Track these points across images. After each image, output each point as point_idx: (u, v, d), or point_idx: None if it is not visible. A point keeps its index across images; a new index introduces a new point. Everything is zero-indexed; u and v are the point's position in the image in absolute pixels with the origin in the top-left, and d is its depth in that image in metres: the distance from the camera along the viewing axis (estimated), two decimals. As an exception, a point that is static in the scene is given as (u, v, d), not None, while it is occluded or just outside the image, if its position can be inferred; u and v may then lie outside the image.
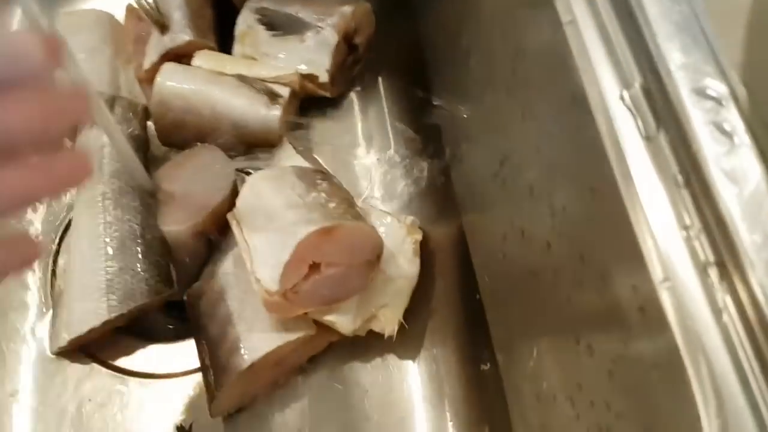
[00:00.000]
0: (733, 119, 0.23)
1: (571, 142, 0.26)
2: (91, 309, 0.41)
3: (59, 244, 0.46)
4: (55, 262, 0.46)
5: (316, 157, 0.50)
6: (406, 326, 0.42)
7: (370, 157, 0.51)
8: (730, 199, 0.21)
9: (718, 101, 0.23)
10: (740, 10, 0.26)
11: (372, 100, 0.53)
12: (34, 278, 0.45)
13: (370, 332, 0.42)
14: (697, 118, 0.23)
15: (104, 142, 0.45)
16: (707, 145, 0.22)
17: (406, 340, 0.42)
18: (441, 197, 0.48)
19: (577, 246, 0.28)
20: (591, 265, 0.27)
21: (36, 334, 0.44)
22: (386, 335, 0.41)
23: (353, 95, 0.53)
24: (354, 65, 0.53)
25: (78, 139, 0.45)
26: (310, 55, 0.50)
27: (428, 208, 0.48)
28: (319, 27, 0.50)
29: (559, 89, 0.26)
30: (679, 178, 0.23)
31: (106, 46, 0.50)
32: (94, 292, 0.41)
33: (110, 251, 0.42)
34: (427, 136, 0.49)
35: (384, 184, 0.49)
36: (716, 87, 0.23)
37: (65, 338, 0.41)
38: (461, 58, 0.42)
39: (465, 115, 0.43)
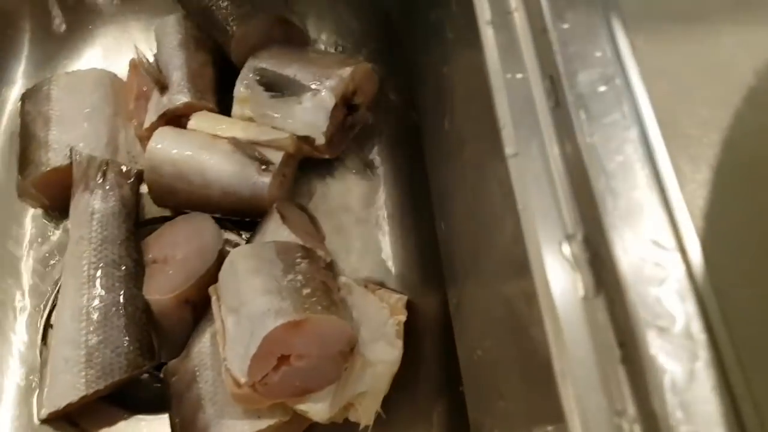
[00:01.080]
0: (681, 286, 0.20)
1: (510, 292, 0.24)
2: (70, 383, 0.41)
3: (50, 312, 0.47)
4: (45, 329, 0.46)
5: (311, 216, 0.49)
6: (384, 416, 0.40)
7: (363, 219, 0.49)
8: (669, 387, 0.19)
9: (662, 267, 0.20)
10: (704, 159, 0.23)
11: (368, 166, 0.51)
12: (25, 346, 0.46)
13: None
14: (638, 284, 0.20)
15: (94, 209, 0.45)
16: (648, 320, 0.20)
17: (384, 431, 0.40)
18: (430, 268, 0.46)
19: (522, 391, 0.25)
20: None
21: (26, 401, 0.45)
22: (361, 426, 0.40)
23: (351, 158, 0.51)
24: (354, 126, 0.52)
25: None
26: (308, 117, 0.49)
27: (415, 277, 0.46)
28: (317, 89, 0.49)
29: (505, 226, 0.24)
30: (617, 352, 0.20)
31: (107, 105, 0.50)
32: (74, 366, 0.41)
33: (92, 324, 0.42)
34: (420, 203, 0.47)
35: (375, 248, 0.48)
36: (665, 243, 0.21)
37: (45, 411, 0.41)
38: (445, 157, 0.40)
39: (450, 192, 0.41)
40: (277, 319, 0.36)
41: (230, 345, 0.38)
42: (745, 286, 0.20)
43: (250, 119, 0.50)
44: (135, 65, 0.52)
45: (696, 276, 0.20)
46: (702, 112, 0.23)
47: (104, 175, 0.46)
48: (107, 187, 0.45)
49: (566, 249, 0.22)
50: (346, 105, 0.50)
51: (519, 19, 0.26)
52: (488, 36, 0.27)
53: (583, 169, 0.22)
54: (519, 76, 0.26)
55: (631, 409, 0.20)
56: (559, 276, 0.21)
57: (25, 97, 0.49)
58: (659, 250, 0.20)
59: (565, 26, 0.25)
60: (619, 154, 0.22)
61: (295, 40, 0.52)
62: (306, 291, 0.38)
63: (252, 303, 0.38)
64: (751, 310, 0.20)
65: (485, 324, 0.31)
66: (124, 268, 0.44)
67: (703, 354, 0.19)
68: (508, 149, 0.24)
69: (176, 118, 0.50)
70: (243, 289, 0.39)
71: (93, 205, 0.45)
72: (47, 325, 0.46)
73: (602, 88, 0.24)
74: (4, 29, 0.51)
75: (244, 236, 0.49)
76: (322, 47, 0.54)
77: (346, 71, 0.49)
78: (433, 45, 0.40)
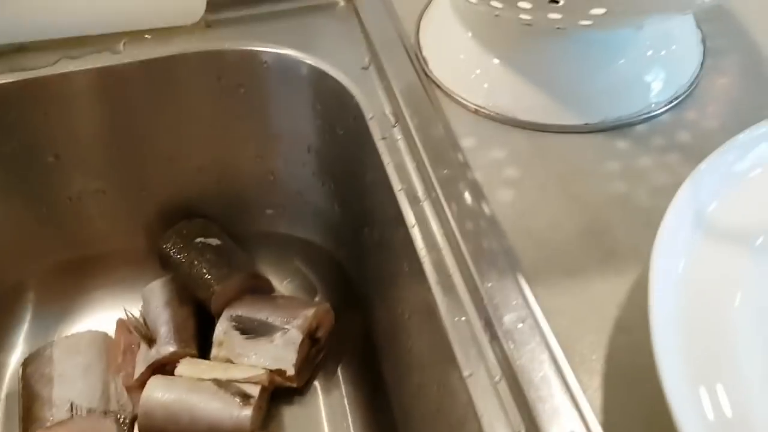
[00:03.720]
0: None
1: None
2: None
3: None
4: None
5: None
6: None
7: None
8: None
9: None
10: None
11: (332, 387, 0.59)
12: None
13: None
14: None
15: None
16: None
17: None
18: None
19: None
20: None
21: None
22: None
23: (317, 383, 0.60)
24: (317, 354, 0.61)
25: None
26: (279, 353, 0.57)
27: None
28: (286, 328, 0.58)
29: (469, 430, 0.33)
30: None
31: (100, 361, 0.57)
32: None
33: None
34: (383, 417, 0.55)
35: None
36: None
37: None
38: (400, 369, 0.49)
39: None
40: None
41: None
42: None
43: (228, 360, 0.58)
44: (121, 324, 0.61)
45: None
46: (589, 337, 0.35)
47: (104, 424, 0.52)
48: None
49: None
50: (310, 339, 0.59)
51: (457, 280, 0.38)
52: (438, 292, 0.38)
53: (517, 382, 0.32)
54: (463, 318, 0.37)
55: None
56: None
57: (27, 361, 0.56)
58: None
59: (489, 284, 0.37)
60: (540, 371, 0.32)
61: (263, 290, 0.62)
62: None
63: None
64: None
65: None
66: None
67: None
68: (465, 372, 0.34)
69: (161, 367, 0.57)
70: None
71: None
72: None
73: (520, 325, 0.35)
74: (11, 303, 0.59)
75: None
76: (286, 293, 0.65)
77: (310, 311, 0.59)
78: (387, 288, 0.51)
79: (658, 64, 0.47)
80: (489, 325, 0.36)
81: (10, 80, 0.51)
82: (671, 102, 0.46)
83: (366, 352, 0.59)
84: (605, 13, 0.36)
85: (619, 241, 0.39)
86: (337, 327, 0.61)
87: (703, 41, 0.50)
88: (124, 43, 0.53)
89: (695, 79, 0.47)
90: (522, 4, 0.37)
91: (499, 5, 0.39)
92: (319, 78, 0.52)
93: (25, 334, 0.60)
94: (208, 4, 0.54)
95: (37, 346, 0.57)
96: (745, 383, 0.30)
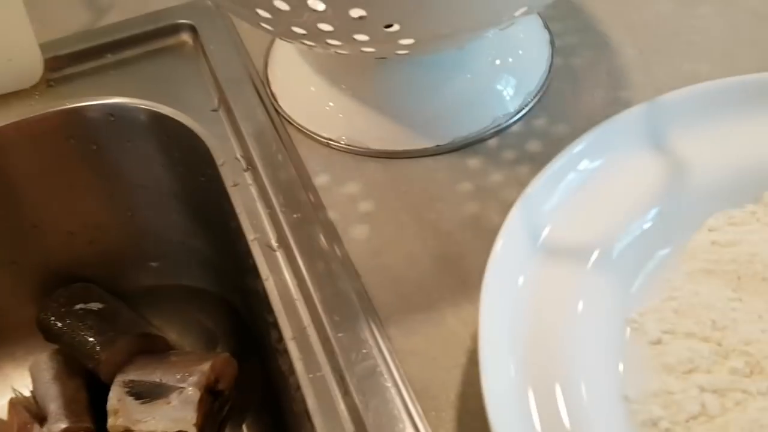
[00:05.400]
0: None
1: None
2: None
3: None
4: None
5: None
6: None
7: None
8: None
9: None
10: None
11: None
12: None
13: None
14: None
15: None
16: None
17: None
18: None
19: None
20: None
21: None
22: None
23: (225, 436, 0.58)
24: (222, 407, 0.58)
25: None
26: (177, 414, 0.55)
27: None
28: (182, 387, 0.56)
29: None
30: None
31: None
32: None
33: None
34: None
35: None
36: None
37: None
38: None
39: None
40: None
41: None
42: None
43: (127, 428, 0.55)
44: (13, 404, 0.57)
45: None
46: (441, 375, 0.34)
47: None
48: None
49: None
50: (210, 393, 0.57)
51: (311, 332, 0.37)
52: (293, 348, 0.37)
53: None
54: (319, 374, 0.35)
55: None
56: None
57: None
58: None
59: (340, 335, 0.35)
60: (392, 425, 0.31)
61: (158, 348, 0.60)
62: None
63: None
64: None
65: None
66: None
67: None
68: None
69: (58, 445, 0.54)
70: None
71: None
72: None
73: (372, 376, 0.34)
74: None
75: None
76: (185, 347, 0.62)
77: (206, 365, 0.57)
78: (269, 338, 0.50)
79: (506, 72, 0.46)
80: (342, 379, 0.34)
81: None
82: (520, 111, 0.45)
83: (269, 400, 0.57)
84: (415, 43, 0.35)
85: (471, 267, 0.38)
86: (241, 376, 0.59)
87: (552, 42, 0.49)
88: (-36, 115, 0.50)
89: (544, 83, 0.46)
90: (332, 41, 0.36)
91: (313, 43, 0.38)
92: (168, 124, 0.49)
93: None
94: (46, 62, 0.51)
95: None
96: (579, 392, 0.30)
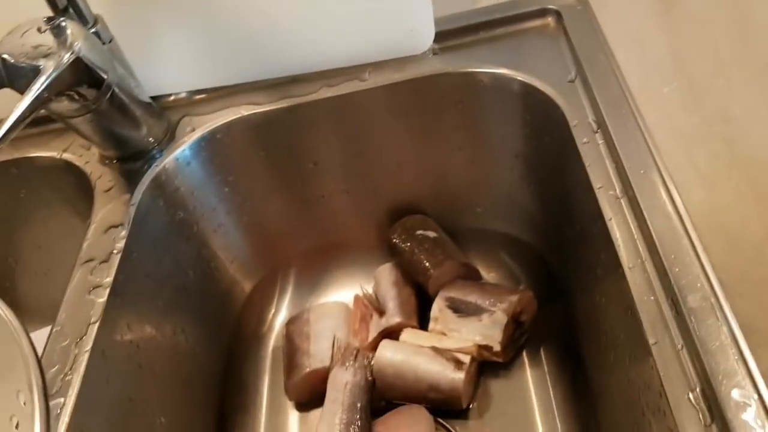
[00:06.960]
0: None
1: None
2: None
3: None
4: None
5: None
6: None
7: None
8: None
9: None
10: None
11: (535, 365, 0.67)
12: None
13: None
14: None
15: (347, 381, 0.63)
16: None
17: None
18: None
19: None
20: None
21: None
22: None
23: (521, 361, 0.68)
24: (521, 337, 0.69)
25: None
26: (486, 331, 0.67)
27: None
28: (493, 310, 0.67)
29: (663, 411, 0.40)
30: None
31: (343, 325, 0.71)
32: None
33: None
34: (582, 395, 0.62)
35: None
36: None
37: None
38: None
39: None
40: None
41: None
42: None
43: (443, 333, 0.69)
44: (358, 298, 0.74)
45: None
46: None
47: (355, 357, 0.65)
48: (356, 366, 0.64)
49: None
50: (514, 321, 0.68)
51: (648, 266, 0.45)
52: (629, 275, 0.45)
53: (696, 349, 0.38)
54: (652, 298, 0.43)
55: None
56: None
57: (289, 322, 0.72)
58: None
59: (677, 269, 0.43)
60: (716, 341, 0.38)
61: (473, 277, 0.72)
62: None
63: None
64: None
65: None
66: (361, 424, 0.61)
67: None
68: (651, 340, 0.40)
69: (389, 333, 0.69)
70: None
71: (346, 378, 0.63)
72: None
73: (703, 305, 0.40)
74: (280, 277, 0.77)
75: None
76: (492, 281, 0.74)
77: (515, 297, 0.67)
78: (585, 278, 0.58)
79: None
80: (675, 304, 0.42)
81: (284, 105, 0.66)
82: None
83: (566, 336, 0.66)
84: None
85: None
86: (540, 314, 0.69)
87: None
88: (369, 72, 0.65)
89: None
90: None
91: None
92: (529, 92, 0.60)
93: (288, 301, 0.77)
94: (435, 35, 0.65)
95: (297, 311, 0.73)
96: None
